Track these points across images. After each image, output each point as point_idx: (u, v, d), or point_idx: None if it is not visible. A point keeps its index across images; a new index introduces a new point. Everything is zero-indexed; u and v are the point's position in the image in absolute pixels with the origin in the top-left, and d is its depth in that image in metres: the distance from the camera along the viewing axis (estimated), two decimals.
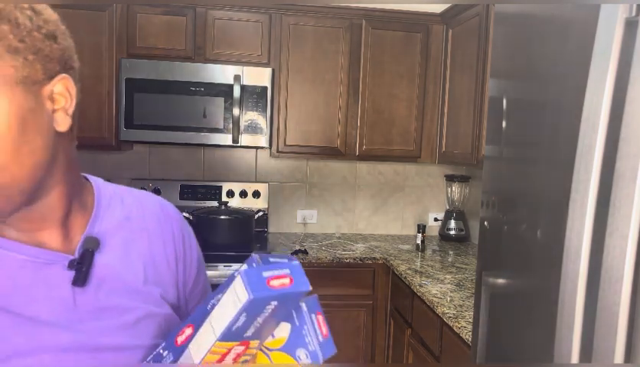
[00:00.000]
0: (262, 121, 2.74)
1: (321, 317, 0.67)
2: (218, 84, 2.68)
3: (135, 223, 0.77)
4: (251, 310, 0.56)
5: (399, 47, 2.97)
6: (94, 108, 2.74)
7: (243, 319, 0.56)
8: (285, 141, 2.90)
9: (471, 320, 1.74)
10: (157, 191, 3.03)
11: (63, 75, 0.63)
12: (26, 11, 0.58)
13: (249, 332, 0.59)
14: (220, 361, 0.60)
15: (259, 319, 0.58)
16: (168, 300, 0.76)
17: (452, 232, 3.21)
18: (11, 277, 0.63)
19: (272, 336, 0.67)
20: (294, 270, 0.60)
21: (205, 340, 0.59)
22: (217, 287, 0.60)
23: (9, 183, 0.57)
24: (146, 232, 0.77)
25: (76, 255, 0.68)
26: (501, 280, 1.31)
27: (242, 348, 0.61)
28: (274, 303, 0.57)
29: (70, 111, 0.66)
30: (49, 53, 0.60)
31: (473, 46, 2.58)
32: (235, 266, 2.52)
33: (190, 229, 0.85)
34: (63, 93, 0.63)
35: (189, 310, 0.82)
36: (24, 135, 0.57)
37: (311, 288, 0.61)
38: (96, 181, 0.80)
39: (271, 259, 0.63)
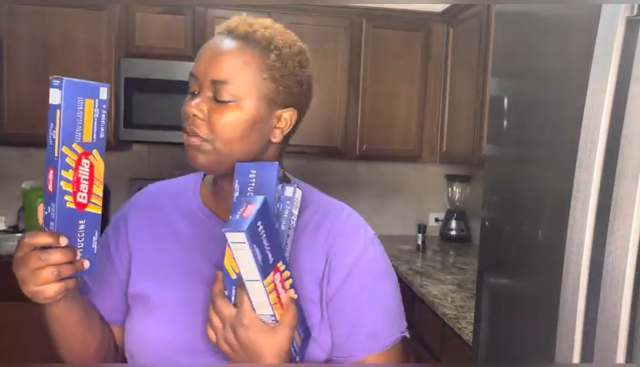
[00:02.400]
0: None
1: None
2: None
3: None
4: (252, 239, 0.64)
5: (399, 46, 2.96)
6: None
7: (257, 252, 0.65)
8: None
9: (472, 321, 1.74)
10: None
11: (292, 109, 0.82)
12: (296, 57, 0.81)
13: (270, 258, 0.68)
14: (278, 295, 0.71)
15: (265, 243, 0.67)
16: None
17: (453, 233, 3.20)
18: None
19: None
20: (249, 199, 0.69)
21: (257, 293, 0.69)
22: None
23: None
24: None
25: None
26: (502, 281, 1.30)
27: (277, 274, 0.70)
28: (259, 223, 0.66)
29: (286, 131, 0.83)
30: (294, 93, 0.81)
31: (474, 45, 2.58)
32: None
33: None
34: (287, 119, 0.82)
35: None
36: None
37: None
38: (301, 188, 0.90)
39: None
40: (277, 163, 0.75)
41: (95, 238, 0.74)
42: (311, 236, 0.85)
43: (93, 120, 0.72)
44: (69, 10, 2.68)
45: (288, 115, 0.81)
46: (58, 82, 0.70)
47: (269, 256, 0.68)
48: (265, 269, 0.67)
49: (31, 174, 2.96)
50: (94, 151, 0.72)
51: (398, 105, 3.00)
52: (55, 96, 0.70)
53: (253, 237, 0.65)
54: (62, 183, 0.69)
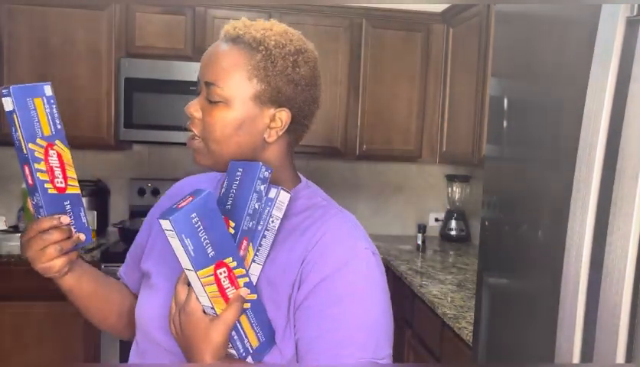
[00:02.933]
0: None
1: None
2: None
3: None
4: (180, 229, 0.67)
5: (399, 46, 2.96)
6: (93, 107, 2.73)
7: (188, 242, 0.68)
8: None
9: (471, 321, 1.74)
10: (156, 191, 3.03)
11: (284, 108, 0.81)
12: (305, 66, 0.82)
13: (210, 252, 0.70)
14: (222, 290, 0.72)
15: (202, 236, 0.69)
16: None
17: (453, 233, 3.20)
18: None
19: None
20: (196, 192, 0.71)
21: (194, 283, 0.72)
22: None
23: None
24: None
25: None
26: (502, 281, 1.30)
27: (223, 269, 0.72)
28: (193, 214, 0.68)
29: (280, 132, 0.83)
30: (285, 92, 0.81)
31: (474, 45, 2.58)
32: None
33: None
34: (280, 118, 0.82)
35: None
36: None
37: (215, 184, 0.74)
38: (299, 190, 0.89)
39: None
40: (260, 163, 0.76)
41: (82, 214, 0.85)
42: (295, 240, 0.83)
43: (47, 115, 0.79)
44: (69, 10, 2.68)
45: (281, 115, 0.81)
46: (6, 91, 0.77)
47: (208, 249, 0.70)
48: (199, 261, 0.69)
49: None
50: (57, 142, 0.80)
51: (398, 105, 3.00)
52: (8, 104, 0.77)
53: (182, 227, 0.67)
54: (38, 174, 0.79)
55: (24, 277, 2.46)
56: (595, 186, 0.84)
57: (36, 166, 0.78)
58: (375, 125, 2.98)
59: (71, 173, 0.83)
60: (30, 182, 0.79)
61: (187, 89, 2.67)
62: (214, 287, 0.72)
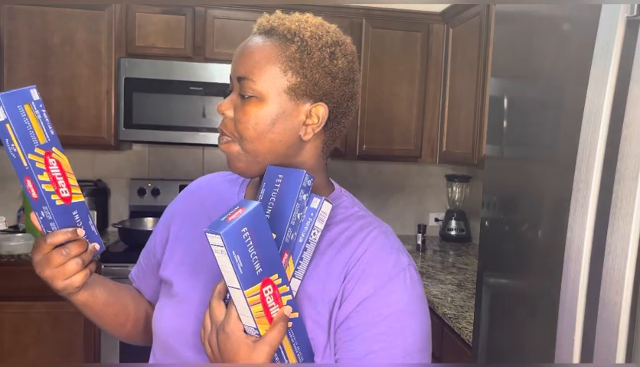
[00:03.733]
0: None
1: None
2: (217, 84, 2.68)
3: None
4: (231, 245, 0.62)
5: (399, 46, 2.96)
6: (93, 107, 2.73)
7: (238, 259, 0.63)
8: None
9: (471, 321, 1.74)
10: (156, 191, 3.03)
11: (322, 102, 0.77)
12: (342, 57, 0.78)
13: (258, 268, 0.65)
14: (266, 309, 0.67)
15: (251, 251, 0.65)
16: None
17: (453, 233, 3.20)
18: None
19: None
20: (244, 203, 0.67)
21: (238, 302, 0.67)
22: None
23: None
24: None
25: None
26: (502, 281, 1.30)
27: (269, 287, 0.67)
28: (244, 229, 0.64)
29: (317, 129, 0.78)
30: (323, 86, 0.76)
31: (474, 45, 2.58)
32: None
33: None
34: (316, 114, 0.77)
35: None
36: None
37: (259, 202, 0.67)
38: (335, 198, 0.85)
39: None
40: (304, 171, 0.71)
41: (91, 222, 0.79)
42: (335, 254, 0.77)
43: (39, 122, 0.74)
44: (69, 10, 2.68)
45: (318, 111, 0.76)
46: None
47: (256, 266, 0.65)
48: (247, 278, 0.65)
49: None
50: (54, 148, 0.75)
51: (398, 105, 3.00)
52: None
53: (233, 242, 0.63)
54: (43, 186, 0.73)
55: (24, 277, 2.47)
56: (595, 186, 0.84)
57: (39, 178, 0.73)
58: (375, 125, 2.98)
59: (72, 180, 0.77)
60: (34, 196, 0.74)
61: (187, 89, 2.67)
62: (259, 307, 0.67)
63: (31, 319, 2.50)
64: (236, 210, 0.65)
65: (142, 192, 3.03)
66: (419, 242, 2.94)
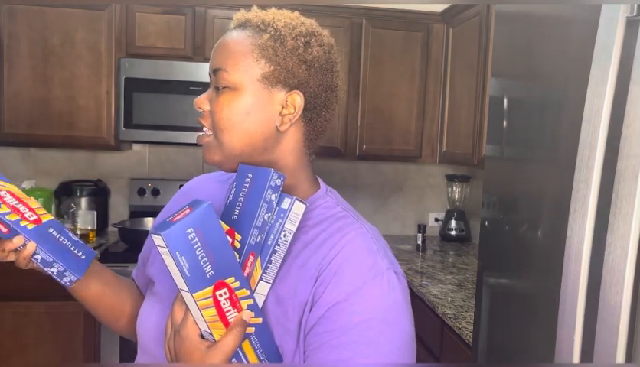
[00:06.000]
0: None
1: None
2: None
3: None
4: (174, 246, 0.60)
5: (399, 46, 2.96)
6: (93, 107, 2.73)
7: (183, 260, 0.61)
8: None
9: (471, 321, 1.74)
10: (156, 191, 3.03)
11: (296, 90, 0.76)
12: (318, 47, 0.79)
13: (209, 271, 0.63)
14: (221, 313, 0.65)
15: (200, 253, 0.62)
16: None
17: (453, 233, 3.20)
18: None
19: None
20: (195, 203, 0.65)
21: (190, 306, 0.64)
22: None
23: None
24: None
25: None
26: (502, 281, 1.30)
27: (223, 290, 0.64)
28: (190, 229, 0.61)
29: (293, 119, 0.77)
30: (297, 74, 0.75)
31: (474, 45, 2.58)
32: None
33: None
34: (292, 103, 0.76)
35: None
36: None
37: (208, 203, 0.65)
38: (317, 198, 0.82)
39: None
40: (272, 170, 0.68)
41: (70, 234, 0.82)
42: (309, 256, 0.74)
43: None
44: (69, 10, 2.68)
45: (294, 99, 0.75)
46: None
47: (207, 268, 0.62)
48: (196, 281, 0.62)
49: (31, 174, 2.97)
50: (0, 182, 0.78)
51: (398, 105, 3.00)
52: None
53: (176, 244, 0.60)
54: (8, 217, 0.75)
55: (24, 277, 2.46)
56: (595, 186, 0.84)
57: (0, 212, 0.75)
58: (375, 125, 2.98)
59: (33, 203, 0.79)
60: (4, 230, 0.75)
61: (187, 89, 2.67)
62: (212, 311, 0.64)
63: (31, 319, 2.50)
64: (184, 210, 0.63)
65: (142, 192, 3.03)
66: (419, 242, 2.94)
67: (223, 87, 0.75)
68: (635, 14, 0.80)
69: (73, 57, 2.69)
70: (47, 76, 2.66)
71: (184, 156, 3.16)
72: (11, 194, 0.77)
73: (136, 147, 3.12)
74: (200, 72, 2.68)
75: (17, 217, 0.75)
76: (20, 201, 0.77)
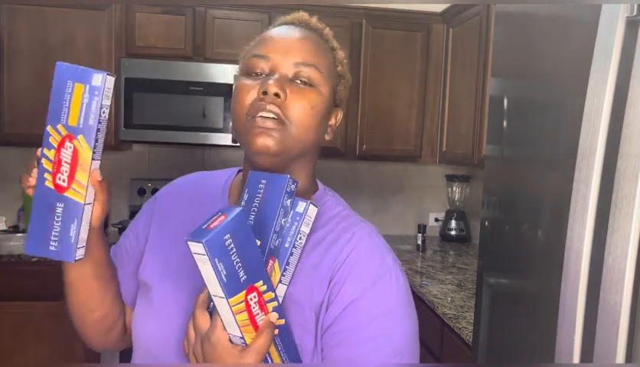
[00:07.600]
0: None
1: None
2: (218, 84, 2.68)
3: None
4: (214, 253, 0.61)
5: (399, 46, 2.96)
6: None
7: (222, 267, 0.62)
8: None
9: (471, 321, 1.74)
10: (156, 191, 3.02)
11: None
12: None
13: (242, 276, 0.64)
14: (252, 317, 0.66)
15: (235, 259, 0.63)
16: None
17: (453, 233, 3.20)
18: None
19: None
20: (226, 209, 0.65)
21: (222, 311, 0.65)
22: None
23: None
24: None
25: None
26: (502, 281, 1.30)
27: (253, 294, 0.65)
28: (227, 236, 0.62)
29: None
30: (340, 94, 0.83)
31: (474, 45, 2.58)
32: None
33: None
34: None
35: None
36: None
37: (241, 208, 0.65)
38: (319, 198, 0.84)
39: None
40: (287, 176, 0.69)
41: (74, 227, 0.71)
42: (321, 256, 0.76)
43: (82, 104, 0.69)
44: (69, 10, 2.68)
45: (338, 113, 0.82)
46: (57, 66, 0.70)
47: (240, 273, 0.64)
48: (231, 286, 0.63)
49: None
50: (80, 137, 0.69)
51: (398, 105, 3.00)
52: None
53: (216, 250, 0.61)
54: (43, 160, 0.69)
55: (24, 277, 2.47)
56: (595, 186, 0.84)
57: (44, 151, 0.69)
58: (375, 125, 2.98)
59: (80, 176, 0.70)
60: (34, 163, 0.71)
61: (187, 89, 2.67)
62: (245, 315, 0.65)
63: (31, 319, 2.50)
64: (218, 217, 0.63)
65: (142, 192, 3.03)
66: (419, 242, 2.94)
67: (310, 85, 0.75)
68: (635, 14, 0.80)
69: (73, 57, 2.69)
70: (47, 76, 2.66)
71: (184, 156, 3.16)
72: (74, 153, 0.69)
73: (136, 147, 3.12)
74: (201, 72, 2.68)
75: (49, 168, 0.69)
76: (71, 163, 0.69)
